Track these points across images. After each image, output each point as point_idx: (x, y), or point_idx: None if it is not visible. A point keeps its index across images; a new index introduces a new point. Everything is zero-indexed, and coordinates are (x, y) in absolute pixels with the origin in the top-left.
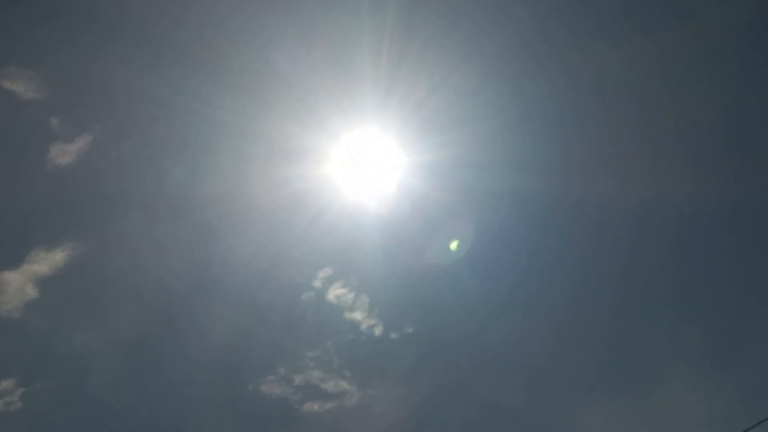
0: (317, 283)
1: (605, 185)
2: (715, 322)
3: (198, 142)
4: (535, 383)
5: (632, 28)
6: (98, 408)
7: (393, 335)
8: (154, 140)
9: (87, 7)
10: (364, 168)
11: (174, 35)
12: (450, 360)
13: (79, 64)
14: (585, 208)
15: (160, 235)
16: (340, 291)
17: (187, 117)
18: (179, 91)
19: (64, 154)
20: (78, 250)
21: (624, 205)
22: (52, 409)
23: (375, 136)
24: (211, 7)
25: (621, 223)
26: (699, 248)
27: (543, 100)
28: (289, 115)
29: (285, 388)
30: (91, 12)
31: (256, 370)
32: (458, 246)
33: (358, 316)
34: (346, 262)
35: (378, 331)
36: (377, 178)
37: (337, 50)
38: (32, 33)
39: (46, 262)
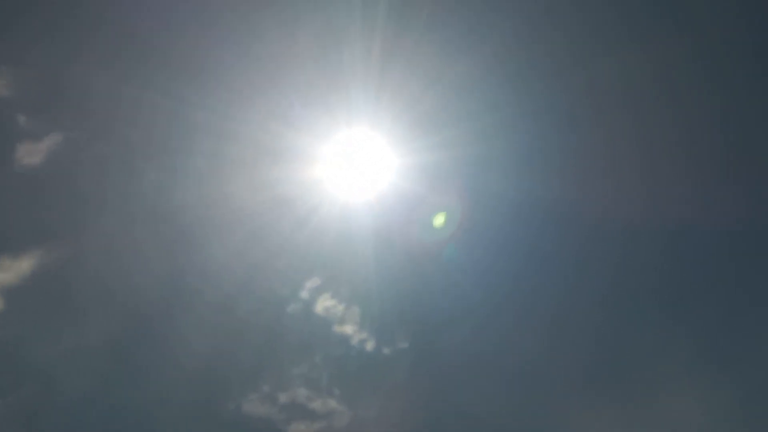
0: (304, 294)
1: (608, 187)
2: (713, 325)
3: (176, 142)
4: (542, 402)
5: (634, 23)
6: (65, 428)
7: (386, 350)
8: (129, 140)
9: (58, 2)
10: (354, 170)
11: (152, 30)
12: (448, 378)
13: (48, 60)
14: (588, 211)
15: (135, 242)
16: (329, 303)
17: (164, 115)
18: (156, 88)
19: (32, 153)
20: (47, 258)
21: (626, 208)
22: (19, 426)
23: (366, 136)
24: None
25: (623, 226)
26: (699, 253)
27: (545, 96)
28: (273, 114)
29: (269, 407)
30: (62, 7)
31: (238, 388)
32: (456, 253)
33: (348, 329)
34: (336, 271)
35: (370, 345)
36: (368, 180)
37: (324, 44)
38: None
39: (12, 270)
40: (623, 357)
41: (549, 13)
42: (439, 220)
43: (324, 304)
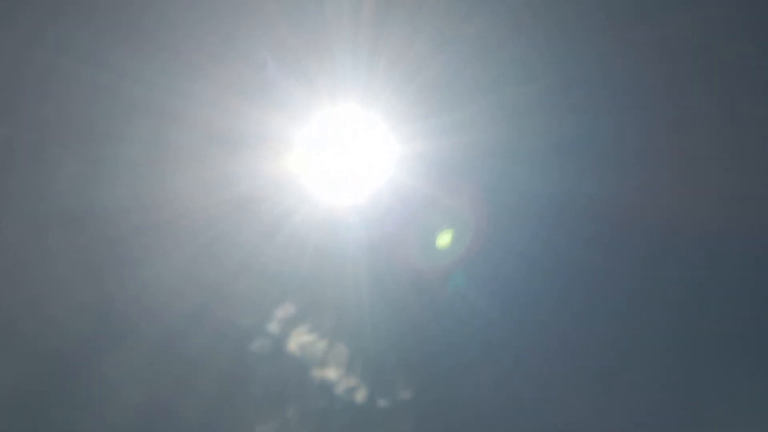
0: (273, 327)
1: (639, 181)
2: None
3: (102, 124)
4: None
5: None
6: None
7: (382, 403)
8: (39, 120)
9: None
10: (340, 161)
11: None
12: None
13: None
14: (620, 213)
15: (45, 257)
16: (307, 338)
17: (88, 90)
18: (74, 52)
19: None
20: None
21: (657, 204)
22: None
23: (356, 116)
24: None
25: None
26: (742, 259)
27: (588, 64)
28: (232, 87)
29: None
30: None
31: None
32: (474, 272)
33: (331, 374)
34: (316, 296)
35: (360, 396)
36: (359, 175)
37: None
38: None
39: None
40: (674, 394)
41: None
42: (452, 228)
43: (300, 340)
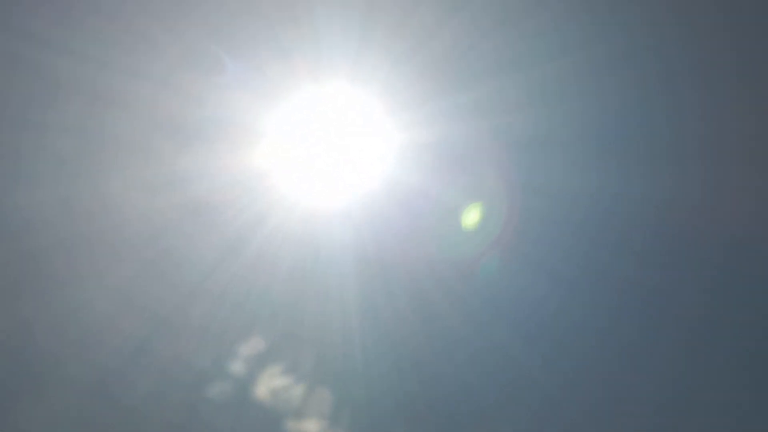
0: (236, 367)
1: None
2: None
3: (19, 110)
4: None
5: None
6: None
7: None
8: None
9: None
10: (324, 154)
11: None
12: None
13: None
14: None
15: None
16: (279, 382)
17: None
18: None
19: None
20: None
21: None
22: None
23: (343, 98)
24: None
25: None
26: None
27: (621, 37)
28: (186, 61)
29: None
30: None
31: None
32: (497, 292)
33: (311, 428)
34: (290, 327)
35: None
36: (348, 172)
37: None
38: None
39: None
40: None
41: None
42: (464, 234)
43: (270, 384)
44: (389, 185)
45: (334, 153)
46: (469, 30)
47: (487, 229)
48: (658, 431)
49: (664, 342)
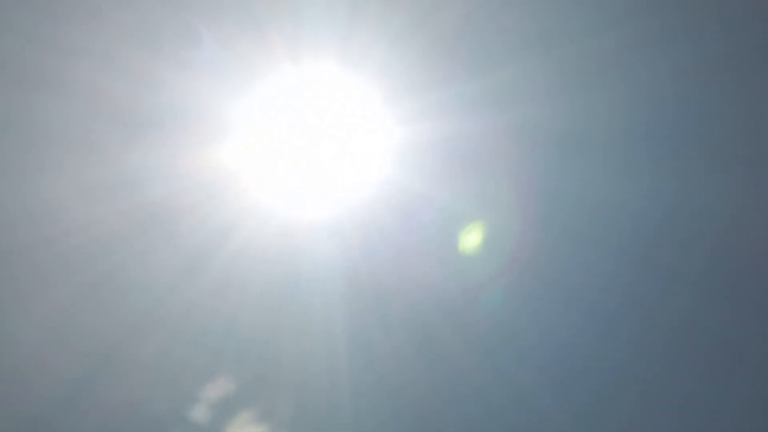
0: (198, 415)
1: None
2: None
3: None
4: None
5: None
6: None
7: None
8: None
9: None
10: (308, 151)
11: None
12: None
13: None
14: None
15: None
16: (252, 430)
17: None
18: None
19: None
20: None
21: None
22: None
23: (331, 82)
24: None
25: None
26: None
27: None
28: (145, 42)
29: None
30: None
31: None
32: (507, 312)
33: None
34: (263, 365)
35: None
36: (336, 171)
37: None
38: None
39: None
40: None
41: None
42: (471, 246)
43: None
44: (383, 191)
45: (318, 151)
46: (477, 15)
47: (496, 247)
48: None
49: (689, 380)
